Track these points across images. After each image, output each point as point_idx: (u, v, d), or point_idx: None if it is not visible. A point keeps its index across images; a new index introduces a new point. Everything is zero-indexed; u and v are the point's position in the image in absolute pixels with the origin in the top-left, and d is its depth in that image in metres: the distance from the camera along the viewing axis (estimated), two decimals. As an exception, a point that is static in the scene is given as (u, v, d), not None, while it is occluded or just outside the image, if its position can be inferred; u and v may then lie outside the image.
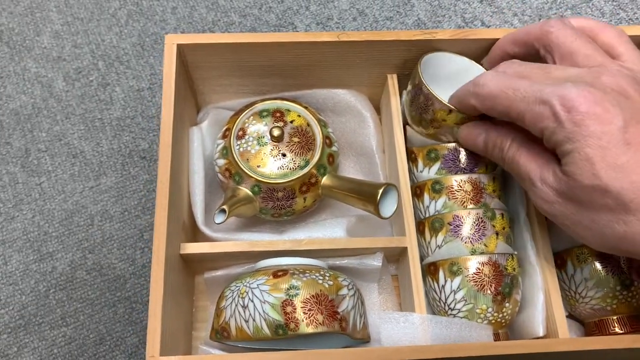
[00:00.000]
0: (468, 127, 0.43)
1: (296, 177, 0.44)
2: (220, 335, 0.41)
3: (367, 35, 0.46)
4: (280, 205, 0.46)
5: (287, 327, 0.38)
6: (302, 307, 0.38)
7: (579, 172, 0.33)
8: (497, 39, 0.46)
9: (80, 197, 0.54)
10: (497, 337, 0.43)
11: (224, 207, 0.42)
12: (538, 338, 0.42)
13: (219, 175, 0.47)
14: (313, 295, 0.39)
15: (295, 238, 0.46)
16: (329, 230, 0.47)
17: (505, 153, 0.39)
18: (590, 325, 0.45)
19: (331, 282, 0.40)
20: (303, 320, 0.38)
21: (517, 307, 0.44)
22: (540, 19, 0.63)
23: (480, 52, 0.47)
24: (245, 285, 0.40)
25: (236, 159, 0.45)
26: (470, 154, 0.45)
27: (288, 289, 0.39)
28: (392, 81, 0.50)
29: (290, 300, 0.38)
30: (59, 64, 0.59)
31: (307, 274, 0.40)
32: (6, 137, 0.56)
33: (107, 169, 0.55)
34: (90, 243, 0.52)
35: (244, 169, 0.44)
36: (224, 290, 0.42)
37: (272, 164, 0.45)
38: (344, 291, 0.40)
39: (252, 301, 0.39)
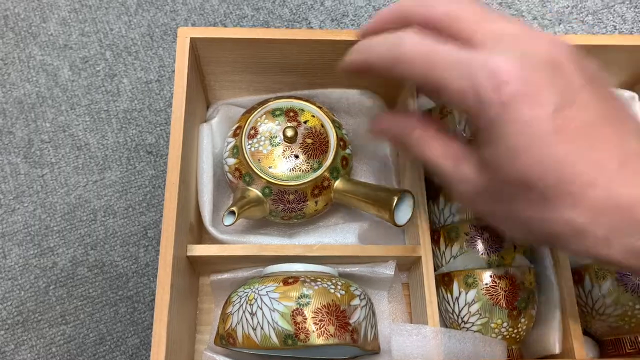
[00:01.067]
0: (373, 124, 0.38)
1: (308, 179, 0.43)
2: (226, 341, 0.39)
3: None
4: (290, 208, 0.44)
5: (296, 337, 0.37)
6: (313, 317, 0.37)
7: (501, 164, 0.29)
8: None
9: (84, 191, 0.52)
10: (510, 352, 0.42)
11: (234, 208, 0.41)
12: (553, 356, 0.41)
13: (228, 174, 0.46)
14: (324, 305, 0.37)
15: (305, 242, 0.44)
16: (340, 236, 0.45)
17: (412, 143, 0.34)
18: (606, 343, 0.43)
19: (343, 292, 0.39)
20: (314, 331, 0.37)
21: (532, 323, 0.43)
22: (560, 24, 0.62)
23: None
24: (254, 292, 0.39)
25: (247, 159, 0.43)
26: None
27: (299, 297, 0.37)
28: (410, 83, 0.48)
29: (301, 309, 0.37)
30: (65, 52, 0.58)
31: (318, 283, 0.39)
32: (9, 126, 0.54)
33: (112, 162, 0.53)
34: (93, 239, 0.50)
35: (255, 169, 0.43)
36: (230, 295, 0.41)
37: (284, 165, 0.44)
38: (356, 301, 0.39)
39: (261, 309, 0.38)
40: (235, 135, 0.45)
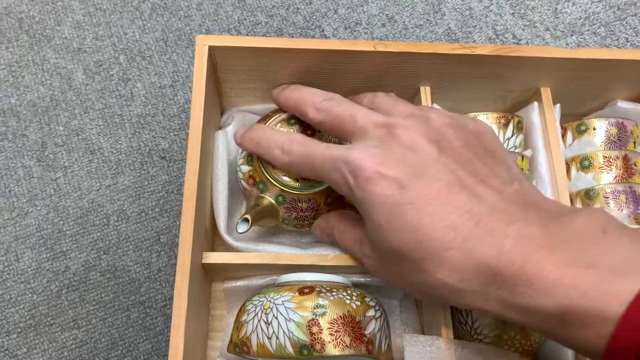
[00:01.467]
0: (313, 229, 0.44)
1: (322, 188, 0.43)
2: (240, 349, 0.40)
3: (404, 46, 0.44)
4: (303, 216, 0.44)
5: (312, 347, 0.37)
6: (328, 328, 0.37)
7: (375, 238, 0.34)
8: (538, 57, 0.44)
9: (97, 196, 0.52)
10: (523, 365, 0.42)
11: (247, 216, 0.41)
12: (566, 369, 0.41)
13: (242, 181, 0.46)
14: (340, 316, 0.37)
15: (319, 252, 0.44)
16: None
17: (335, 238, 0.41)
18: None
19: (359, 303, 0.39)
20: (330, 342, 0.37)
21: (544, 335, 0.43)
22: (573, 35, 0.62)
23: (517, 68, 0.46)
24: (270, 301, 0.39)
25: (261, 167, 0.43)
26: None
27: (315, 307, 0.38)
28: (425, 94, 0.48)
29: (317, 320, 0.37)
30: (79, 56, 0.58)
31: (334, 293, 0.39)
32: (22, 129, 0.54)
33: (125, 167, 0.53)
34: (105, 243, 0.51)
35: (269, 177, 0.43)
36: (245, 304, 0.41)
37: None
38: (371, 312, 0.39)
39: (277, 318, 0.38)
40: None
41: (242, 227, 0.41)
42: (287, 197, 0.43)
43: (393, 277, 0.36)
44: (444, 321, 0.41)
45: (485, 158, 0.34)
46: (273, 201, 0.43)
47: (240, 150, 0.46)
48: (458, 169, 0.33)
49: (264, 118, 0.47)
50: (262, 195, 0.44)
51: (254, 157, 0.44)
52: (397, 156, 0.33)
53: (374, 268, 0.38)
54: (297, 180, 0.43)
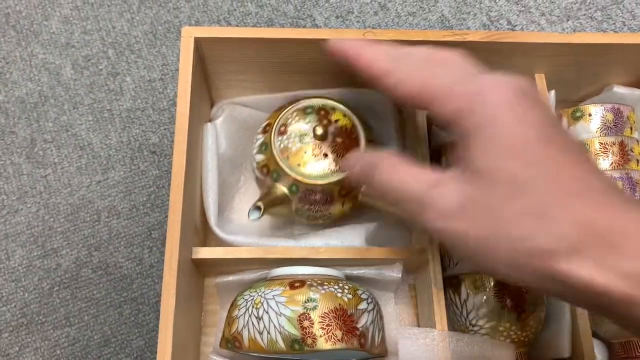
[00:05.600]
0: (345, 160, 0.37)
1: (336, 179, 0.42)
2: (232, 344, 0.39)
3: (393, 34, 0.44)
4: (317, 208, 0.44)
5: (303, 342, 0.36)
6: (320, 322, 0.36)
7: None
8: (532, 43, 0.44)
9: (87, 192, 0.52)
10: (519, 356, 0.41)
11: (259, 204, 0.40)
12: (563, 359, 0.41)
13: (256, 171, 0.45)
14: (332, 310, 0.37)
15: (311, 245, 0.44)
16: (346, 237, 0.45)
17: (377, 176, 0.32)
18: (615, 346, 0.43)
19: (350, 296, 0.38)
20: (321, 336, 0.36)
21: (541, 326, 0.42)
22: (569, 20, 0.61)
23: (510, 55, 0.45)
24: (260, 295, 0.38)
25: (275, 156, 0.43)
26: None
27: (305, 301, 0.37)
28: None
29: (308, 314, 0.37)
30: (67, 51, 0.57)
31: (325, 286, 0.38)
32: (11, 125, 0.54)
33: (115, 162, 0.53)
34: (97, 240, 0.50)
35: (283, 166, 0.42)
36: (236, 298, 0.40)
37: (313, 164, 0.43)
38: (364, 305, 0.38)
39: (268, 313, 0.37)
40: (264, 132, 0.45)
41: (253, 215, 0.40)
42: (300, 187, 0.42)
43: (482, 226, 0.27)
44: (438, 313, 0.41)
45: None
46: (286, 190, 0.43)
47: (255, 140, 0.45)
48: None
49: (280, 108, 0.45)
50: (276, 184, 0.43)
51: (268, 146, 0.43)
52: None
53: (454, 214, 0.28)
54: (311, 170, 0.42)
